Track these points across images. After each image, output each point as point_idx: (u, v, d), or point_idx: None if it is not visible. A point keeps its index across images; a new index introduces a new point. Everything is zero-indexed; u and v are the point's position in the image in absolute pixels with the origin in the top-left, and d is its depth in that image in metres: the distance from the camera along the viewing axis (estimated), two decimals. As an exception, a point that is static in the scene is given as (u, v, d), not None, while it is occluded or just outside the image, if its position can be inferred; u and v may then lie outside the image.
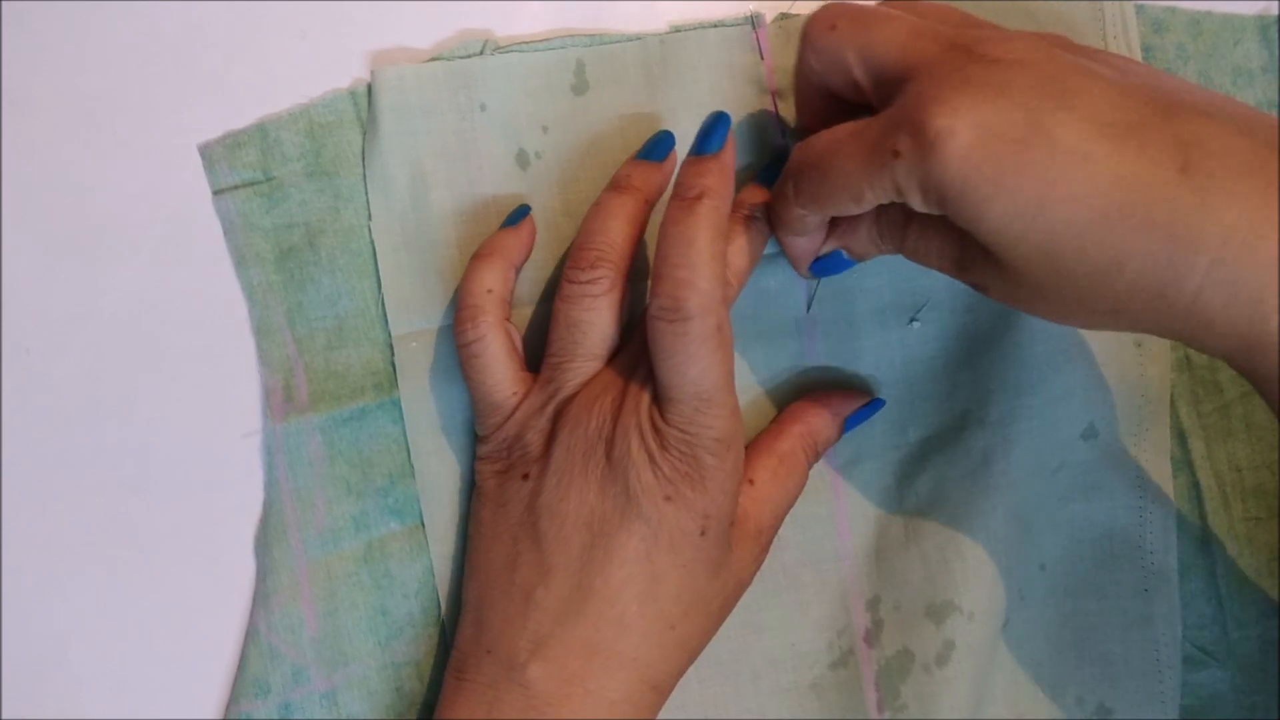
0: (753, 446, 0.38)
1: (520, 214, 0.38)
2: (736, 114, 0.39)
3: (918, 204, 0.30)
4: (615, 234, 0.36)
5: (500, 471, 0.37)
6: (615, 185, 0.37)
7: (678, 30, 0.39)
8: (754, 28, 0.39)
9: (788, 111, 0.39)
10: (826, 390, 0.40)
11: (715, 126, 0.35)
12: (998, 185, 0.28)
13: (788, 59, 0.39)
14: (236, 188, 0.38)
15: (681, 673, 0.36)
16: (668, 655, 0.35)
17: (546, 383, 0.36)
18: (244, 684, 0.38)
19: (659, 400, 0.34)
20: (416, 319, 0.39)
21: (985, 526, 0.40)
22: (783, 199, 0.35)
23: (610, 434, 0.34)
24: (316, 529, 0.38)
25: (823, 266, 0.37)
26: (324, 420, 0.38)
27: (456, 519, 0.39)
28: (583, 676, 0.33)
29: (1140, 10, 0.40)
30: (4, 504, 0.38)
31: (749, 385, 0.40)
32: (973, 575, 0.39)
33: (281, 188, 0.38)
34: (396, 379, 0.39)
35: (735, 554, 0.35)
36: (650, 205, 0.37)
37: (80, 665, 0.38)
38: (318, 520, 0.39)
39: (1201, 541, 0.41)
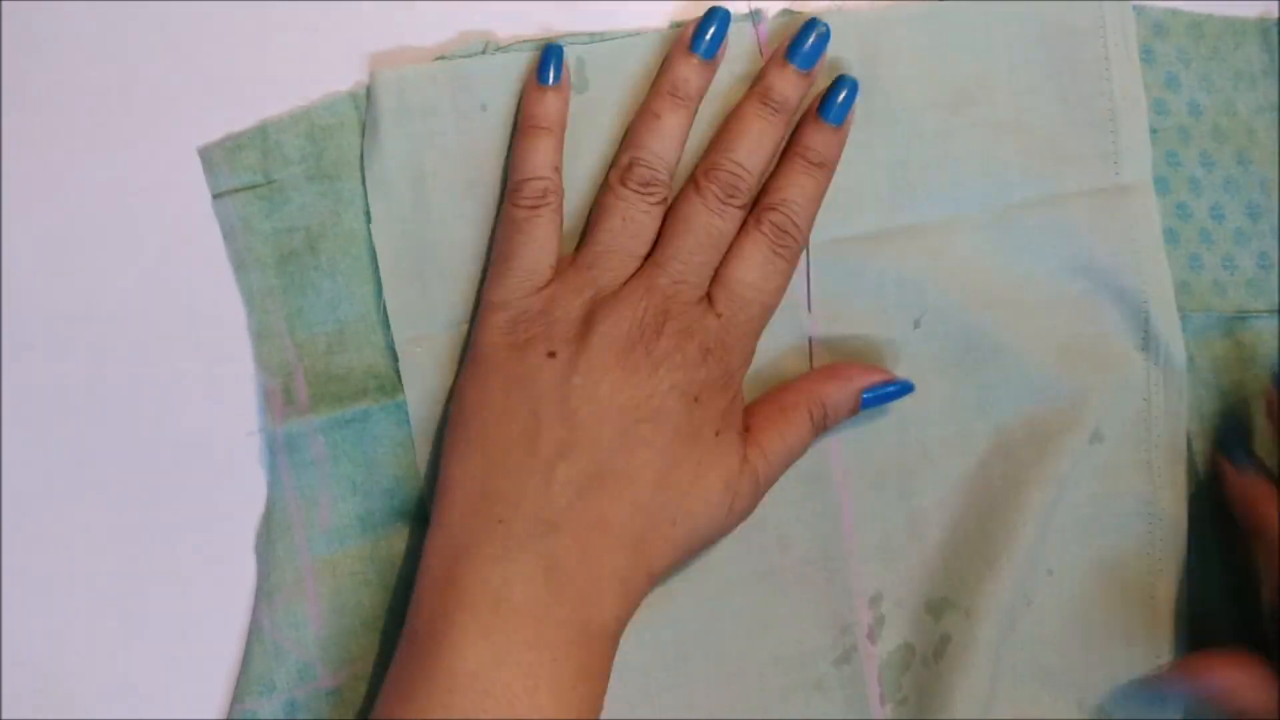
0: (760, 397, 0.39)
1: (551, 59, 0.38)
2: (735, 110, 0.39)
3: None
4: (671, 155, 0.38)
5: (517, 344, 0.36)
6: (673, 92, 0.38)
7: (677, 26, 0.39)
8: (754, 24, 0.39)
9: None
10: (849, 361, 0.40)
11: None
12: None
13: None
14: (237, 191, 0.38)
15: (666, 573, 0.36)
16: (663, 552, 0.36)
17: (585, 267, 0.37)
18: (248, 681, 0.38)
19: (720, 301, 0.36)
20: (419, 323, 0.38)
21: (983, 528, 0.40)
22: None
23: (656, 330, 0.36)
24: (321, 527, 0.38)
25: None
26: (325, 422, 0.38)
27: None
28: (598, 551, 0.34)
29: (1140, 12, 0.40)
30: (5, 503, 0.38)
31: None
32: (971, 574, 0.40)
33: (282, 191, 0.38)
34: (400, 383, 0.38)
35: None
36: (697, 108, 0.39)
37: (83, 664, 0.39)
38: (322, 519, 0.39)
39: (1202, 548, 0.41)
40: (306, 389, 0.38)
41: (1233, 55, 0.41)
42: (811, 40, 0.38)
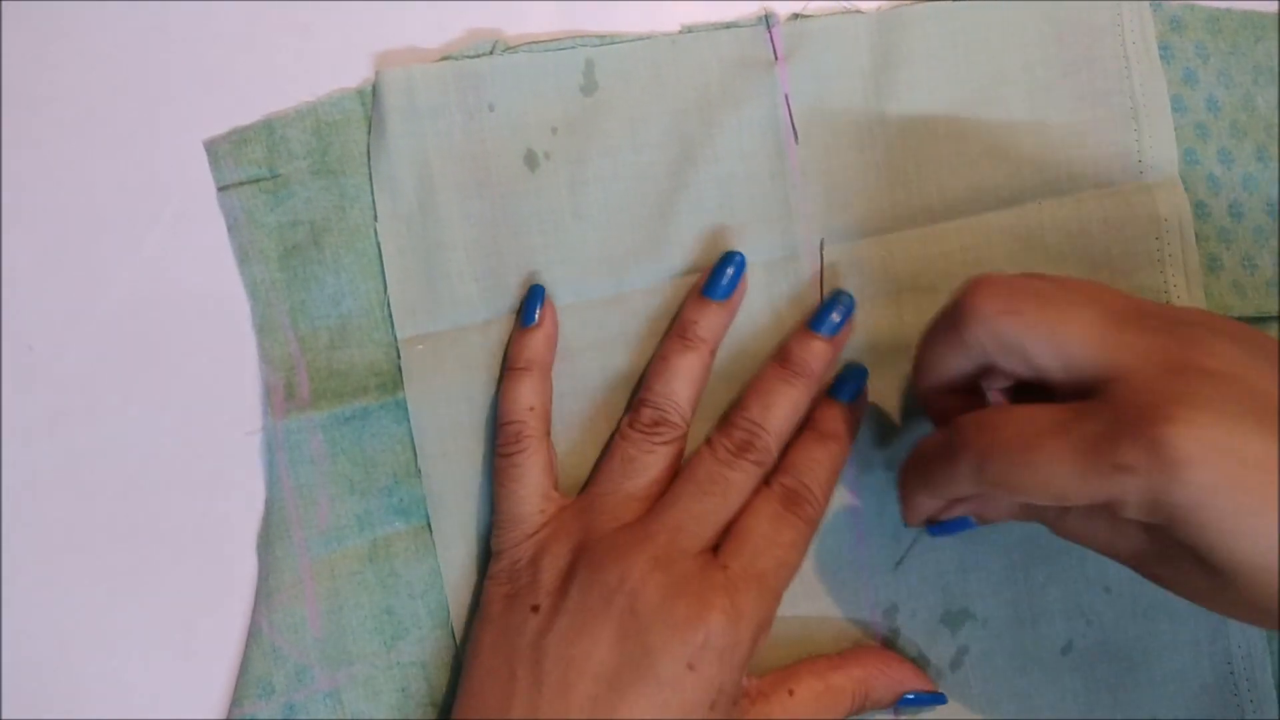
0: (809, 662, 0.38)
1: (535, 303, 0.38)
2: (748, 115, 0.39)
3: (1132, 514, 0.28)
4: (680, 395, 0.37)
5: (508, 595, 0.36)
6: (682, 334, 0.38)
7: (689, 30, 0.39)
8: (768, 27, 0.39)
9: (800, 114, 0.39)
10: (900, 658, 0.39)
11: (835, 307, 0.38)
12: (1248, 517, 0.27)
13: (801, 59, 0.39)
14: (242, 184, 0.38)
15: None
16: None
17: (580, 511, 0.36)
18: (247, 685, 0.38)
19: (724, 553, 0.34)
20: (423, 321, 0.38)
21: (1004, 540, 0.39)
22: (951, 477, 0.32)
23: (638, 585, 0.33)
24: (320, 527, 0.38)
25: (944, 528, 0.37)
26: (325, 418, 0.38)
27: (464, 523, 0.39)
28: None
29: (1157, 8, 0.40)
30: (5, 501, 0.38)
31: None
32: (988, 585, 0.39)
33: (287, 185, 0.38)
34: (401, 380, 0.38)
35: None
36: (715, 354, 0.38)
37: (81, 666, 0.38)
38: (321, 518, 0.38)
39: None
40: (308, 384, 0.38)
41: (1252, 50, 0.40)
42: (836, 312, 0.38)
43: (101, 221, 0.38)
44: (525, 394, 0.37)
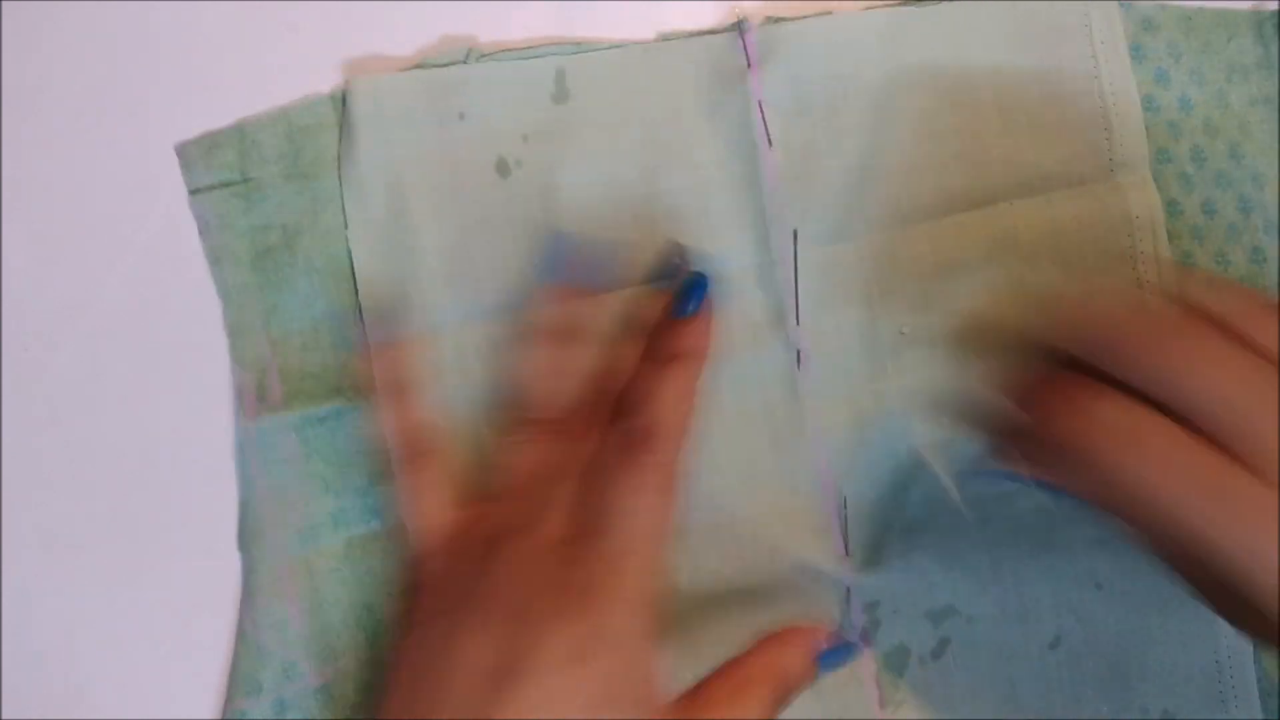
0: (716, 672, 0.36)
1: (696, 293, 0.38)
2: (722, 123, 0.39)
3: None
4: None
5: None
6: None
7: (665, 38, 0.39)
8: (741, 34, 0.39)
9: (773, 118, 0.39)
10: (795, 624, 0.38)
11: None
12: None
13: (775, 64, 0.39)
14: (213, 188, 0.38)
15: None
16: None
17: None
18: (236, 682, 0.38)
19: (584, 534, 0.33)
20: (394, 327, 0.39)
21: (986, 536, 0.39)
22: (1056, 462, 0.30)
23: (510, 574, 0.33)
24: (296, 526, 0.39)
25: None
26: (298, 419, 0.38)
27: None
28: None
29: (1129, 8, 0.40)
30: (0, 501, 0.39)
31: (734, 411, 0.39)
32: (975, 582, 0.39)
33: (259, 189, 0.38)
34: (375, 385, 0.38)
35: None
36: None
37: (77, 666, 0.39)
38: (295, 517, 0.39)
39: None
40: (280, 386, 0.39)
41: (1225, 48, 0.40)
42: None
43: (85, 225, 0.39)
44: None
